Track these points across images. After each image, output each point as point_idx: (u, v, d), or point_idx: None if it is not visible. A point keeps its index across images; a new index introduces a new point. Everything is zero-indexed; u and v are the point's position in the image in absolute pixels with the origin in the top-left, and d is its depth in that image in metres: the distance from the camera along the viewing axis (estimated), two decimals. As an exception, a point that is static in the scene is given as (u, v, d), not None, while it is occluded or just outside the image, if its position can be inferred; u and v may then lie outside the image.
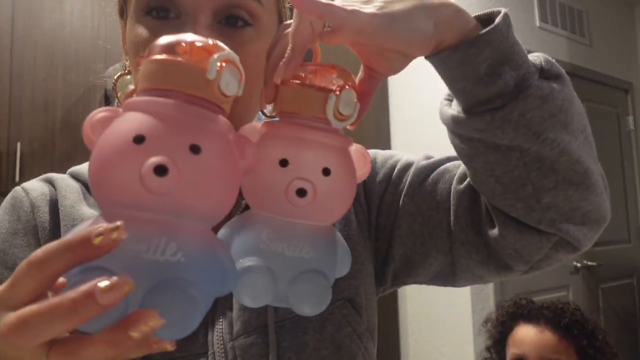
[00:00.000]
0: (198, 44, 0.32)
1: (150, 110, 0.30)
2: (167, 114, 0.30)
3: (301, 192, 0.34)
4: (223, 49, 0.32)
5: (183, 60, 0.31)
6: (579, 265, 2.67)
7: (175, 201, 0.29)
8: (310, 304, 0.36)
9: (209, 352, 0.45)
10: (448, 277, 0.54)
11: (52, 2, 2.01)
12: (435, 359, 2.30)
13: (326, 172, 0.36)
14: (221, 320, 0.47)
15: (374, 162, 0.58)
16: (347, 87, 0.38)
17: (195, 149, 0.29)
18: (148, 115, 0.30)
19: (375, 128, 2.60)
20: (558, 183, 0.43)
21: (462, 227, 0.50)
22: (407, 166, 0.56)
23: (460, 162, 0.54)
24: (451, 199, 0.51)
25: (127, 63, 0.50)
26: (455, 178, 0.52)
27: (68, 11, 2.04)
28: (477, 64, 0.40)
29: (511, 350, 1.12)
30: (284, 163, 0.35)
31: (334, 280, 0.49)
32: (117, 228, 0.26)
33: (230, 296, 0.48)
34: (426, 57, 0.42)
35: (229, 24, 0.45)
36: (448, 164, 0.56)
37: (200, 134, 0.30)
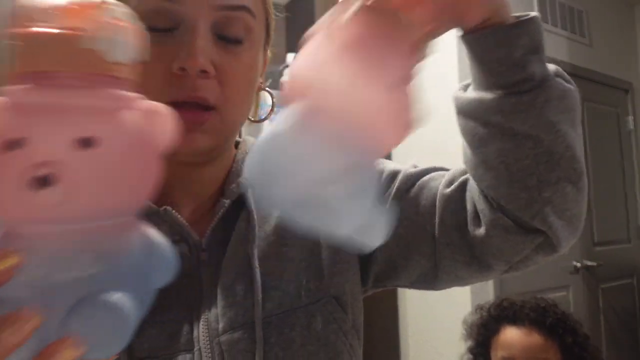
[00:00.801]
0: (68, 5, 0.25)
1: (21, 104, 0.24)
2: (42, 105, 0.24)
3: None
4: (101, 5, 0.26)
5: (51, 31, 0.24)
6: (579, 265, 2.67)
7: (71, 209, 0.24)
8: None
9: (195, 349, 0.45)
10: (429, 280, 0.55)
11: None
12: (434, 359, 2.30)
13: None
14: (206, 316, 0.47)
15: None
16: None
17: (85, 143, 0.24)
18: (20, 110, 0.24)
19: (375, 128, 2.60)
20: (560, 179, 0.45)
21: (447, 230, 0.52)
22: (395, 174, 0.59)
23: (445, 171, 0.59)
24: (437, 202, 0.53)
25: None
26: (442, 183, 0.55)
27: (68, 11, 2.05)
28: (515, 48, 0.42)
29: (499, 354, 1.13)
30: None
31: (317, 280, 0.50)
32: (10, 254, 0.22)
33: (214, 291, 0.48)
34: (465, 34, 0.44)
35: (225, 38, 0.46)
36: (434, 173, 0.60)
37: (89, 123, 0.25)
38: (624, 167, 3.13)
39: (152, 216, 0.46)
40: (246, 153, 0.56)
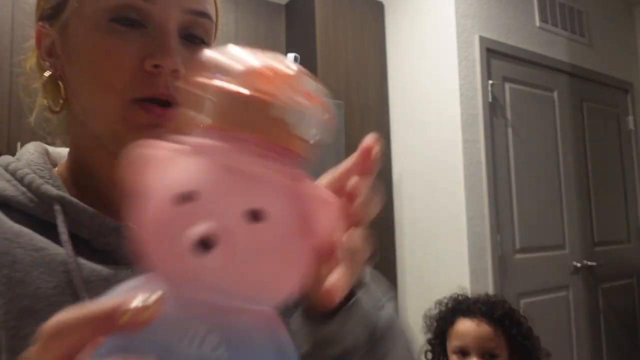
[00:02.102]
0: (263, 69, 0.24)
1: (203, 158, 0.24)
2: (223, 164, 0.24)
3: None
4: (295, 75, 0.25)
5: (245, 92, 0.24)
6: (579, 265, 2.66)
7: (224, 280, 0.23)
8: None
9: None
10: None
11: (52, 2, 2.01)
12: (435, 359, 2.30)
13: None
14: None
15: None
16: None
17: (255, 215, 0.23)
18: (201, 164, 0.24)
19: (376, 128, 2.60)
20: None
21: None
22: None
23: None
24: None
25: (46, 69, 0.48)
26: None
27: (68, 11, 2.05)
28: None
29: (453, 343, 1.25)
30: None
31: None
32: (149, 308, 0.21)
33: None
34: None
35: (188, 40, 0.46)
36: None
37: (263, 195, 0.24)
38: (624, 167, 3.13)
39: (109, 232, 0.44)
40: None
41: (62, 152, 0.53)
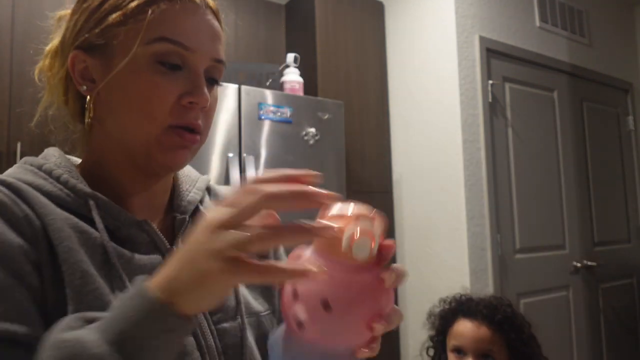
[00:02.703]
0: (349, 214, 0.40)
1: (331, 276, 0.40)
2: (345, 281, 0.41)
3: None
4: (364, 220, 0.40)
5: (336, 234, 0.39)
6: (579, 265, 2.67)
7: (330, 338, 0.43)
8: None
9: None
10: None
11: (52, 2, 2.01)
12: (435, 359, 2.30)
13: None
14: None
15: None
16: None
17: (325, 306, 0.40)
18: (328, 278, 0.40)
19: (376, 128, 2.60)
20: None
21: None
22: None
23: None
24: None
25: (83, 91, 0.57)
26: None
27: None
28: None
29: (451, 342, 1.25)
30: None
31: (266, 298, 0.67)
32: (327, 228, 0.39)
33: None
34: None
35: (210, 81, 0.58)
36: None
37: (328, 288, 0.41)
38: (624, 167, 3.13)
39: (132, 226, 0.55)
40: (183, 175, 0.67)
41: (70, 157, 0.63)
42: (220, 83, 0.60)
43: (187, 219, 0.61)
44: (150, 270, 0.53)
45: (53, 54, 0.61)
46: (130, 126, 0.54)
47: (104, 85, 0.54)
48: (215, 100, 0.59)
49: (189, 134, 0.55)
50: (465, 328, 1.23)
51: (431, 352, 1.34)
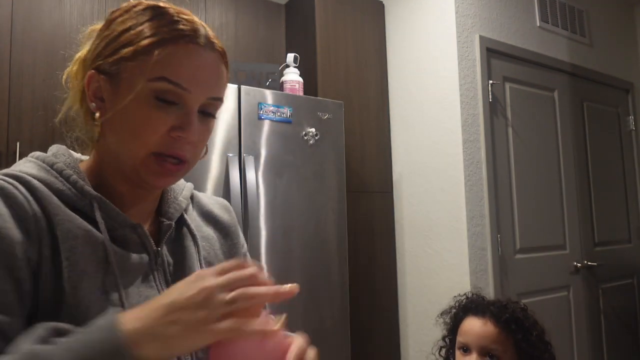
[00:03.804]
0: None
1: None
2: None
3: None
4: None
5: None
6: (579, 265, 2.66)
7: None
8: None
9: None
10: None
11: (52, 2, 2.00)
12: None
13: None
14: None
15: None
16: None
17: None
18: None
19: (376, 128, 2.60)
20: None
21: None
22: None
23: None
24: None
25: (92, 108, 0.63)
26: None
27: (68, 11, 2.04)
28: None
29: (458, 339, 1.25)
30: None
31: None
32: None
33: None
34: None
35: (204, 114, 0.64)
36: None
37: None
38: (625, 167, 3.13)
39: (127, 227, 0.62)
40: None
41: (77, 156, 0.69)
42: (215, 116, 0.66)
43: (173, 224, 0.69)
44: (138, 267, 0.62)
45: (81, 63, 0.67)
46: (124, 146, 0.61)
47: (109, 106, 0.61)
48: (207, 131, 0.65)
49: (171, 163, 0.61)
50: (472, 325, 1.23)
51: (443, 352, 1.33)
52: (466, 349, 1.22)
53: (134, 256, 0.62)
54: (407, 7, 2.59)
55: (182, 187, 0.76)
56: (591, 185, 2.87)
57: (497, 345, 1.18)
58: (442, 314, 1.35)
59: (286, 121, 2.06)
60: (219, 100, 0.65)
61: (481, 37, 2.38)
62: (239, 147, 1.94)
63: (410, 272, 2.50)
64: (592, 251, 2.79)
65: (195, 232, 0.72)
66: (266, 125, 2.01)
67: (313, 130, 2.12)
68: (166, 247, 0.68)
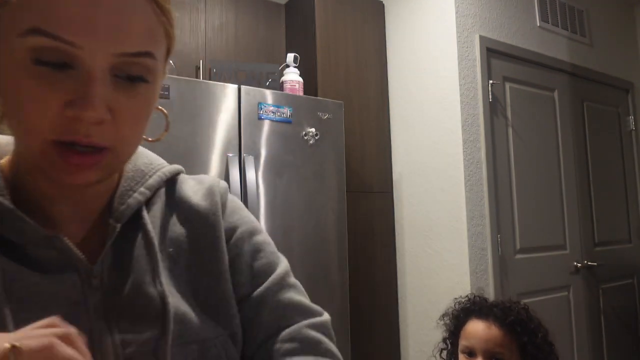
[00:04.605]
0: None
1: None
2: None
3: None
4: None
5: None
6: (579, 265, 2.66)
7: None
8: None
9: None
10: None
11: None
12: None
13: None
14: (106, 341, 0.47)
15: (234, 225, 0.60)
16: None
17: None
18: None
19: (376, 128, 2.60)
20: None
21: None
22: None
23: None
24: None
25: None
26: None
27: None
28: None
29: (462, 342, 1.22)
30: None
31: (220, 319, 0.54)
32: None
33: (112, 319, 0.48)
34: None
35: (127, 78, 0.44)
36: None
37: None
38: (625, 167, 3.13)
39: (40, 243, 0.46)
40: (134, 169, 0.55)
41: (7, 140, 0.53)
42: (148, 80, 0.45)
43: (117, 228, 0.50)
44: (58, 294, 0.45)
45: None
46: (16, 134, 0.44)
47: None
48: (138, 105, 0.45)
49: (80, 154, 0.42)
50: (476, 328, 1.20)
51: (444, 354, 1.31)
52: (471, 353, 1.20)
53: (46, 282, 0.45)
54: (407, 7, 2.59)
55: (150, 174, 0.56)
56: (591, 185, 2.87)
57: (502, 349, 1.16)
58: (443, 316, 1.34)
59: (286, 121, 2.06)
60: (142, 55, 0.43)
61: (481, 37, 2.38)
62: (239, 147, 1.93)
63: (410, 272, 2.50)
64: (592, 251, 2.79)
65: (153, 237, 0.52)
66: (266, 125, 2.01)
67: (313, 130, 2.12)
68: (112, 259, 0.50)
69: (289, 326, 0.56)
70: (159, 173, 0.56)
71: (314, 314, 0.58)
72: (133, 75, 0.43)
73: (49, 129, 0.41)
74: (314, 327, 0.56)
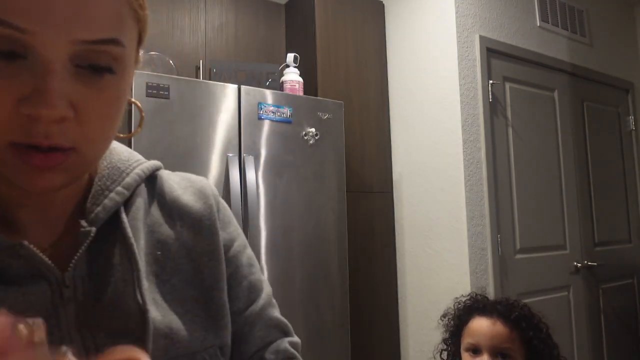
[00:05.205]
0: None
1: None
2: None
3: None
4: None
5: None
6: (579, 265, 2.66)
7: None
8: None
9: None
10: None
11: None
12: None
13: None
14: (84, 357, 0.43)
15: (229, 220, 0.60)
16: None
17: None
18: None
19: (376, 128, 2.60)
20: None
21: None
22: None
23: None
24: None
25: None
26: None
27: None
28: None
29: (466, 340, 1.22)
30: None
31: (210, 329, 0.52)
32: None
33: (87, 331, 0.44)
34: None
35: (91, 69, 0.39)
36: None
37: None
38: (625, 167, 3.13)
39: (2, 251, 0.41)
40: (110, 166, 0.50)
41: None
42: (115, 70, 0.40)
43: (92, 231, 0.45)
44: (28, 306, 0.41)
45: None
46: None
47: None
48: (104, 98, 0.40)
49: (41, 155, 0.37)
50: (480, 325, 1.20)
51: (444, 355, 1.30)
52: (475, 350, 1.19)
53: (12, 295, 0.40)
54: (407, 7, 2.59)
55: (127, 171, 0.51)
56: (591, 185, 2.87)
57: (508, 344, 1.16)
58: (443, 316, 1.33)
59: (286, 121, 2.06)
60: (105, 42, 0.38)
61: (481, 37, 2.38)
62: (239, 147, 1.93)
63: (410, 272, 2.50)
64: (592, 251, 2.79)
65: (133, 242, 0.47)
66: (266, 125, 2.01)
67: (313, 130, 2.12)
68: (87, 267, 0.45)
69: (273, 342, 0.59)
70: (137, 170, 0.51)
71: (291, 333, 0.63)
72: (97, 65, 0.39)
73: (3, 130, 0.36)
74: (293, 345, 0.61)
